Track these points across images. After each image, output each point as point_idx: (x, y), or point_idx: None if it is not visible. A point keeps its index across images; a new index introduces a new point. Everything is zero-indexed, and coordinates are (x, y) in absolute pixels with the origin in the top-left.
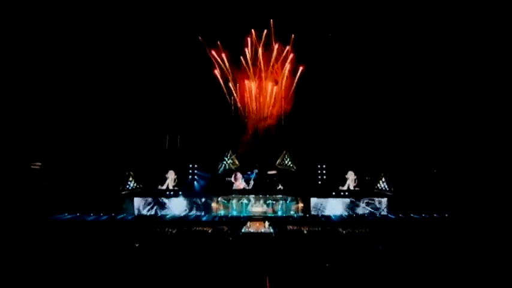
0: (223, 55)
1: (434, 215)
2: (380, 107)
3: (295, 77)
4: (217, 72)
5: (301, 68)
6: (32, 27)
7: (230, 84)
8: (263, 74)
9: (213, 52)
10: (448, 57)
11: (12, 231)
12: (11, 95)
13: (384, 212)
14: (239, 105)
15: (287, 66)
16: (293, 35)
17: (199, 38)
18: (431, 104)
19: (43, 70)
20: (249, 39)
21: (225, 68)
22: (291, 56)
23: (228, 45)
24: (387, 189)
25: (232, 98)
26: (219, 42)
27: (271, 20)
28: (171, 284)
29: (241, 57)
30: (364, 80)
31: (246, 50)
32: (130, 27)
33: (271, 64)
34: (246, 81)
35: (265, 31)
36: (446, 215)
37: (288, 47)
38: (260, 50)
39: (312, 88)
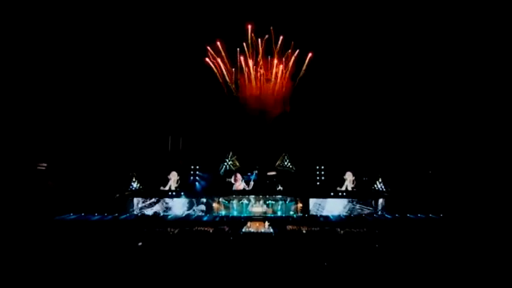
0: (225, 58)
1: (430, 215)
2: (377, 110)
3: (294, 81)
4: (215, 69)
5: (310, 55)
6: (40, 31)
7: (231, 86)
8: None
9: (215, 56)
10: (441, 64)
11: (19, 230)
12: (19, 99)
13: (381, 212)
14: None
15: (288, 67)
16: (292, 42)
17: (206, 46)
18: (427, 107)
19: (50, 75)
20: (250, 43)
21: (225, 70)
22: (292, 60)
23: (231, 48)
24: (384, 189)
25: (233, 89)
26: (221, 50)
27: (271, 28)
28: (174, 283)
29: (242, 59)
30: (362, 84)
31: (247, 52)
32: (137, 33)
33: (273, 65)
34: (247, 83)
35: (266, 36)
36: (441, 215)
37: (289, 51)
38: (260, 54)
39: (311, 91)
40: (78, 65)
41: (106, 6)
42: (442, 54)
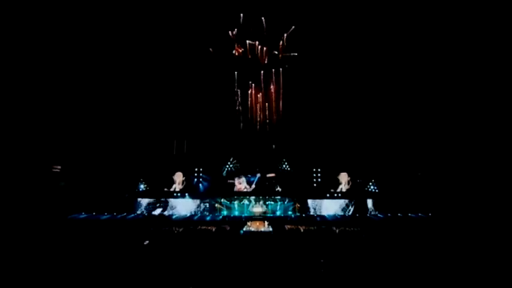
0: None
1: (419, 214)
2: (370, 115)
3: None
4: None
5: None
6: (52, 38)
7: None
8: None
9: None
10: (428, 71)
11: (35, 228)
12: (37, 109)
13: (374, 212)
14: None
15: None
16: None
17: (210, 49)
18: (418, 113)
19: (65, 85)
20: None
21: None
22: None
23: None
24: (377, 190)
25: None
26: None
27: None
28: (179, 278)
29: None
30: (356, 92)
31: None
32: (143, 40)
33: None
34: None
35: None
36: (430, 214)
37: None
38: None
39: (308, 97)
40: (92, 75)
41: (110, 10)
42: (428, 60)
